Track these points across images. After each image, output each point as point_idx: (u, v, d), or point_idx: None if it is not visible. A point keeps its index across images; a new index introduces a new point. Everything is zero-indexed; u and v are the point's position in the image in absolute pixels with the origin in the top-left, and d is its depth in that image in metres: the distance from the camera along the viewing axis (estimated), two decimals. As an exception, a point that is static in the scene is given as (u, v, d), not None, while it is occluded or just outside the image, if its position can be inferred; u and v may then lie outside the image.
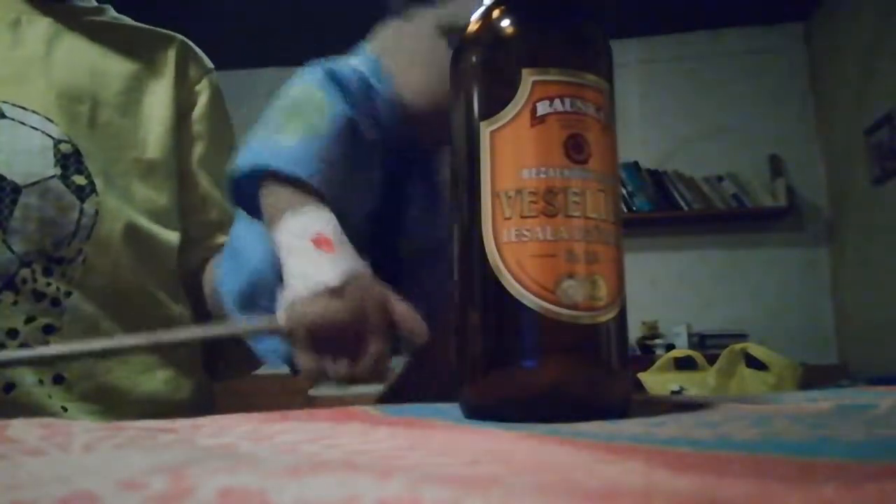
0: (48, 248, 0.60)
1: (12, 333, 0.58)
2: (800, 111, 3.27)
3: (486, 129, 0.33)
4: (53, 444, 0.21)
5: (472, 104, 0.34)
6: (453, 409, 0.34)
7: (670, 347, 2.81)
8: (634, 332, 3.06)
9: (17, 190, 0.59)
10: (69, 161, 0.62)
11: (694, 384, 1.64)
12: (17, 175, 0.59)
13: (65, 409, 0.58)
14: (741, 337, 2.83)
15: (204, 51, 0.79)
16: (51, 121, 0.63)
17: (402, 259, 0.63)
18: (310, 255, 0.47)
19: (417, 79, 0.58)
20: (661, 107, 3.35)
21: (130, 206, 0.66)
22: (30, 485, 0.14)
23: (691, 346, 2.88)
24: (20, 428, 0.24)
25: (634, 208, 3.22)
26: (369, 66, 0.60)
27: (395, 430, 0.26)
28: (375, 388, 0.60)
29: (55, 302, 0.60)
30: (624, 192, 3.20)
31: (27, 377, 0.57)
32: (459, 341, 0.33)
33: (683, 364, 1.77)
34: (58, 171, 0.61)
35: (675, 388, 1.65)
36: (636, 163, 3.25)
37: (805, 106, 3.27)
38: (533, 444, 0.22)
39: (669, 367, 1.77)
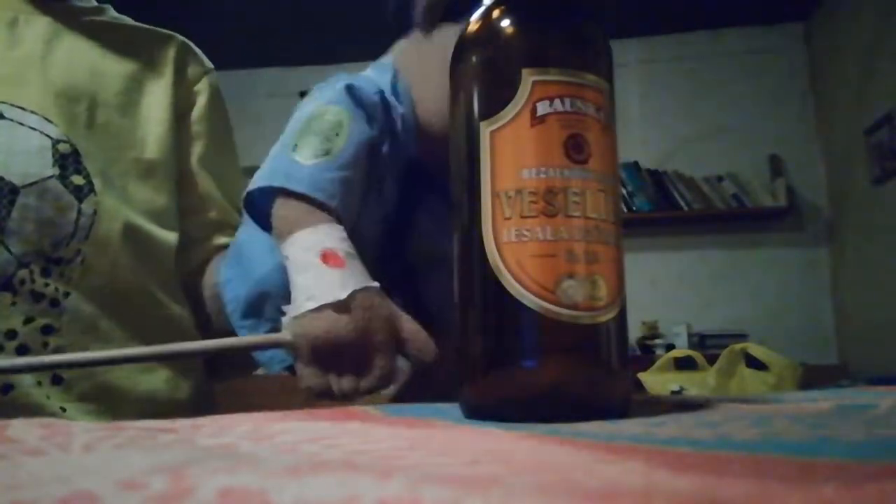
0: (46, 249, 0.59)
1: (11, 334, 0.57)
2: (800, 111, 3.27)
3: (486, 129, 0.33)
4: (53, 444, 0.21)
5: (472, 104, 0.34)
6: (453, 409, 0.34)
7: (670, 347, 2.82)
8: (634, 332, 3.06)
9: (14, 190, 0.59)
10: (67, 161, 0.62)
11: (694, 384, 1.64)
12: (14, 175, 0.59)
13: (63, 410, 0.58)
14: (741, 337, 2.83)
15: (204, 51, 0.79)
16: (49, 121, 0.63)
17: (412, 267, 0.63)
18: (318, 270, 0.47)
19: (436, 96, 0.58)
20: (661, 107, 3.35)
21: (129, 207, 0.66)
22: (30, 485, 0.14)
23: (691, 346, 2.89)
24: (20, 428, 0.24)
25: (634, 208, 3.22)
26: (389, 83, 0.59)
27: (395, 430, 0.26)
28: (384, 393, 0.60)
29: (54, 302, 0.60)
30: (624, 192, 3.21)
31: (25, 378, 0.57)
32: (459, 341, 0.33)
33: (683, 364, 1.77)
34: (56, 171, 0.61)
35: (675, 388, 1.65)
36: (636, 163, 3.25)
37: (805, 106, 3.27)
38: (533, 444, 0.22)
39: (669, 367, 1.77)
